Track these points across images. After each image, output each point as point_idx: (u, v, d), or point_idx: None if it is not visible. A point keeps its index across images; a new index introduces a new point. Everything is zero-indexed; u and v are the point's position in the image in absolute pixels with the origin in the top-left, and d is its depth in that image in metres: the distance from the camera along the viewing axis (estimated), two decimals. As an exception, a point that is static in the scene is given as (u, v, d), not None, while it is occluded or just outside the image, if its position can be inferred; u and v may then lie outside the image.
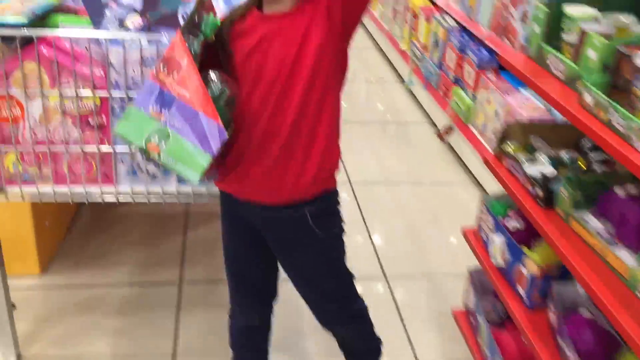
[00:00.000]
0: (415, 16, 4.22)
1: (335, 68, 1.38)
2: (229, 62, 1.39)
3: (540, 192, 1.51)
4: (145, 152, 1.31)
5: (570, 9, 1.52)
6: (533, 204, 1.53)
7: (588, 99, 1.31)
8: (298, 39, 1.32)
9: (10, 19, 1.58)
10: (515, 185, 1.61)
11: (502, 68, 3.19)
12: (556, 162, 1.62)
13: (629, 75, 1.25)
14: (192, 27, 1.35)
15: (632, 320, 1.16)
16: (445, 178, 3.30)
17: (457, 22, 3.69)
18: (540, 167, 1.57)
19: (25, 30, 1.57)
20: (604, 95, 1.27)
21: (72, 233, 2.60)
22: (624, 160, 1.16)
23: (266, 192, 1.44)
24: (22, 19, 1.59)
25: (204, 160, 1.29)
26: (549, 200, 1.51)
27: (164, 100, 1.30)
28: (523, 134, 1.76)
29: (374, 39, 5.38)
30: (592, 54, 1.35)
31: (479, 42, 3.35)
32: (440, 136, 3.51)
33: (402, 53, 4.47)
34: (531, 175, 1.55)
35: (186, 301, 2.28)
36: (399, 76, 4.56)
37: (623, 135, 1.21)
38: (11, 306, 1.93)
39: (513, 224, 1.68)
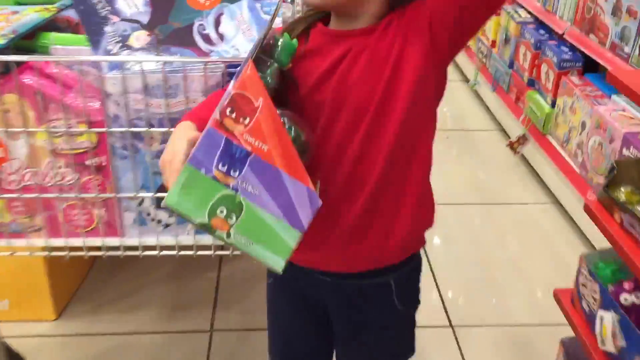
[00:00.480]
0: (481, 8, 3.78)
1: (434, 98, 1.05)
2: (289, 92, 1.06)
3: (673, 267, 1.10)
4: (209, 230, 0.97)
5: None
6: (661, 280, 1.12)
7: None
8: (390, 62, 0.99)
9: (-16, 41, 1.28)
10: (632, 249, 1.20)
11: (588, 69, 2.74)
12: (689, 217, 1.20)
13: None
14: (262, 54, 1.00)
15: None
16: (519, 197, 2.87)
17: (533, 15, 3.24)
18: (670, 227, 1.16)
19: (1, 56, 1.27)
20: None
21: (94, 270, 2.32)
22: None
23: (342, 259, 1.12)
24: (0, 41, 1.29)
25: (292, 238, 0.94)
26: (685, 278, 1.10)
27: (234, 156, 0.93)
28: (638, 172, 1.34)
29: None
30: None
31: (560, 39, 2.90)
32: (512, 146, 3.07)
33: (467, 49, 4.03)
34: (658, 241, 1.14)
35: (217, 353, 1.97)
36: (463, 75, 4.12)
37: None
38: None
39: (631, 299, 1.27)
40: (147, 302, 2.17)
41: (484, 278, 2.34)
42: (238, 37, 1.43)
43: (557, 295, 1.50)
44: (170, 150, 0.98)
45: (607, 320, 1.27)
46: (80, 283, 2.24)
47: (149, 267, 2.32)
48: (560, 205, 2.70)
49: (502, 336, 2.07)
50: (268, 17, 1.56)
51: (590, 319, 1.36)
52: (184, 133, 0.99)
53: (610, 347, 1.27)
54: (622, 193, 1.30)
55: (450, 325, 2.10)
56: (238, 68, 1.00)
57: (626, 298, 1.26)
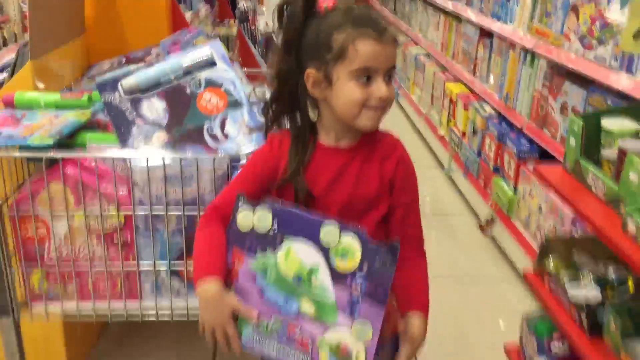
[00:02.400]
0: (452, 102, 4.20)
1: None
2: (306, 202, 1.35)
3: (585, 320, 1.39)
4: None
5: (607, 123, 1.45)
6: (578, 331, 1.41)
7: (632, 227, 1.22)
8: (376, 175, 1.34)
9: (37, 140, 1.60)
10: (557, 309, 1.49)
11: (544, 158, 3.10)
12: (602, 282, 1.50)
13: (675, 202, 1.15)
14: None
15: None
16: (489, 273, 3.16)
17: (496, 111, 3.64)
18: (585, 289, 1.46)
19: (51, 152, 1.59)
20: (648, 225, 1.17)
21: (104, 337, 2.55)
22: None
23: None
24: (49, 141, 1.60)
25: None
26: (595, 328, 1.39)
27: None
28: (565, 249, 1.65)
29: (412, 122, 5.37)
30: (633, 177, 1.27)
31: (519, 132, 3.28)
32: (482, 228, 3.39)
33: (441, 138, 4.42)
34: (575, 302, 1.43)
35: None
36: (439, 162, 4.49)
37: (672, 271, 1.10)
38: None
39: (558, 347, 1.55)
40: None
41: (455, 337, 2.59)
42: (239, 137, 1.76)
43: (508, 350, 1.77)
44: (211, 316, 1.29)
45: (541, 367, 1.54)
46: (92, 349, 2.46)
47: (153, 334, 2.56)
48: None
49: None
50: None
51: (530, 368, 1.63)
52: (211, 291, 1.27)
53: (545, 390, 1.54)
54: (551, 263, 1.61)
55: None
56: None
57: (555, 346, 1.54)
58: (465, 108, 3.93)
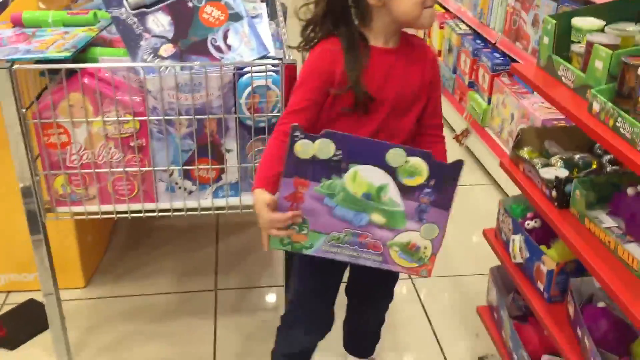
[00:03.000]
0: (428, 22, 4.32)
1: None
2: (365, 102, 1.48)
3: (555, 194, 1.61)
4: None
5: (577, 21, 1.62)
6: (549, 205, 1.63)
7: (596, 107, 1.41)
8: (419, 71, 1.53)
9: (54, 53, 1.72)
10: (531, 188, 1.70)
11: (515, 71, 3.28)
12: (570, 165, 1.71)
13: (633, 84, 1.35)
14: None
15: (644, 311, 1.26)
16: (464, 181, 3.38)
17: (470, 28, 3.79)
18: (555, 170, 1.67)
19: (69, 64, 1.71)
20: (610, 104, 1.36)
21: (111, 247, 2.74)
22: (630, 163, 1.26)
23: None
24: (66, 53, 1.72)
25: None
26: (563, 202, 1.60)
27: None
28: (538, 139, 1.86)
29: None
30: (598, 65, 1.45)
31: (493, 47, 3.45)
32: (458, 139, 3.60)
33: (417, 58, 4.56)
34: (546, 179, 1.64)
35: (222, 307, 2.40)
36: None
37: (629, 140, 1.30)
38: (64, 317, 2.06)
39: (531, 224, 1.77)
40: (159, 270, 2.59)
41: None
42: (241, 47, 1.89)
43: (485, 233, 2.00)
44: (259, 208, 1.42)
45: (516, 241, 1.77)
46: (102, 257, 2.65)
47: (158, 244, 2.75)
48: (498, 184, 3.24)
49: (448, 283, 2.57)
50: (264, 31, 2.03)
51: (506, 244, 1.86)
52: (262, 199, 1.41)
53: (520, 260, 1.77)
54: (525, 151, 1.81)
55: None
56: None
57: (529, 223, 1.77)
58: (441, 27, 4.07)
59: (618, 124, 1.33)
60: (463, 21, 3.89)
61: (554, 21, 1.64)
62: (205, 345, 2.22)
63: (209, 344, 2.22)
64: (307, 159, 1.31)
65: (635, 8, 1.62)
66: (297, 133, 1.30)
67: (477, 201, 3.18)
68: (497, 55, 3.35)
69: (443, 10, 4.23)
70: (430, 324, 2.35)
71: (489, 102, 3.35)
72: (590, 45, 1.50)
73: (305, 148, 1.30)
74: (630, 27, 1.61)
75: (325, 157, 1.30)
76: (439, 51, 4.10)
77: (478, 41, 3.61)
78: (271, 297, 2.48)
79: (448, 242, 2.82)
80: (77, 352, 2.15)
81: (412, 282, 2.57)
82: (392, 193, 1.32)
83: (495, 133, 3.28)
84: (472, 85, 3.59)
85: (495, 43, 3.39)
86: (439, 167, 1.30)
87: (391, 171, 1.30)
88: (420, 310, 2.42)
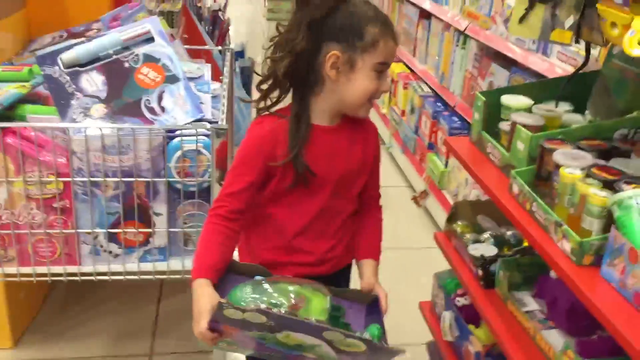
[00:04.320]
0: (394, 82, 4.36)
1: None
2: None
3: (480, 273, 1.57)
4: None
5: (506, 99, 1.61)
6: (475, 284, 1.59)
7: (515, 189, 1.39)
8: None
9: (-23, 111, 1.68)
10: (460, 265, 1.67)
11: (472, 135, 3.29)
12: (501, 242, 1.68)
13: (550, 168, 1.33)
14: None
15: (556, 407, 1.20)
16: (421, 243, 3.35)
17: (432, 90, 3.82)
18: (484, 247, 1.63)
19: (-8, 122, 1.67)
20: (527, 187, 1.34)
21: (48, 303, 2.64)
22: (540, 250, 1.23)
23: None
24: (-11, 111, 1.69)
25: None
26: (489, 281, 1.56)
27: None
28: (472, 212, 1.83)
29: (358, 101, 5.52)
30: (520, 146, 1.43)
31: (452, 110, 3.47)
32: (416, 200, 3.58)
33: (383, 117, 4.59)
34: (473, 256, 1.61)
35: (155, 374, 2.30)
36: (381, 139, 4.65)
37: (543, 226, 1.27)
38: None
39: (461, 301, 1.73)
40: (95, 331, 2.48)
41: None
42: (176, 110, 1.86)
43: (421, 306, 1.95)
44: (197, 310, 1.31)
45: (446, 318, 1.72)
46: (35, 315, 2.54)
47: (96, 302, 2.65)
48: (453, 248, 3.20)
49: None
50: (200, 93, 2.02)
51: (439, 318, 1.81)
52: (202, 292, 1.32)
53: (449, 337, 1.72)
54: (458, 226, 1.78)
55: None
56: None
57: (459, 300, 1.72)
58: (405, 87, 4.10)
59: (534, 209, 1.30)
60: (426, 83, 3.92)
61: (484, 98, 1.63)
62: (132, 415, 2.11)
63: (136, 414, 2.12)
64: (238, 319, 1.22)
65: (565, 87, 1.62)
66: (224, 305, 1.21)
67: (432, 265, 3.11)
68: (456, 119, 3.36)
69: (409, 71, 4.28)
70: (370, 396, 2.26)
71: (447, 165, 3.34)
72: (514, 124, 1.48)
73: (235, 314, 1.21)
74: (561, 107, 1.61)
75: (258, 322, 1.21)
76: (403, 111, 4.12)
77: (439, 104, 3.63)
78: (209, 365, 2.39)
79: (399, 307, 2.79)
80: (-7, 421, 2.04)
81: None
82: (327, 349, 1.25)
83: (452, 196, 3.26)
84: (431, 147, 3.59)
85: (454, 107, 3.41)
86: (377, 349, 1.24)
87: (327, 341, 1.23)
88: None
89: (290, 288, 1.31)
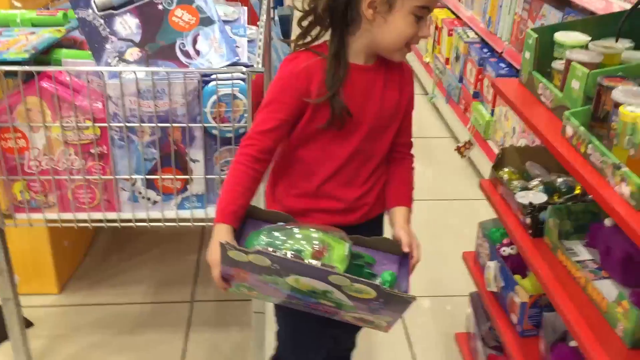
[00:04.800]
0: (438, 29, 4.20)
1: None
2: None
3: (529, 221, 1.49)
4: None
5: (560, 36, 1.50)
6: (523, 233, 1.52)
7: (569, 131, 1.29)
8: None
9: (12, 55, 1.65)
10: (507, 214, 1.59)
11: (520, 82, 3.15)
12: (551, 189, 1.59)
13: (608, 107, 1.23)
14: None
15: (607, 356, 1.14)
16: (465, 194, 3.26)
17: (478, 36, 3.66)
18: (532, 195, 1.55)
19: (26, 66, 1.64)
20: (583, 128, 1.25)
21: (91, 252, 2.68)
22: (596, 195, 1.14)
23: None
24: (24, 55, 1.66)
25: None
26: (537, 230, 1.49)
27: None
28: (520, 159, 1.74)
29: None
30: (575, 85, 1.33)
31: (500, 57, 3.32)
32: (460, 151, 3.47)
33: (426, 66, 4.45)
34: (521, 204, 1.53)
35: (196, 321, 2.32)
36: (424, 89, 4.53)
37: (598, 169, 1.18)
38: (24, 324, 2.00)
39: (507, 250, 1.65)
40: (137, 279, 2.52)
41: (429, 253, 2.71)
42: (211, 53, 1.81)
43: (464, 257, 1.88)
44: (211, 252, 1.31)
45: (491, 268, 1.65)
46: (79, 264, 2.59)
47: (138, 250, 2.68)
48: (498, 200, 3.11)
49: (437, 303, 2.46)
50: (236, 37, 1.95)
51: (483, 269, 1.74)
52: (220, 237, 1.29)
53: (493, 288, 1.65)
54: (505, 173, 1.69)
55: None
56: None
57: (505, 250, 1.65)
58: (450, 34, 3.94)
59: (589, 152, 1.21)
60: (472, 29, 3.76)
61: (536, 35, 1.53)
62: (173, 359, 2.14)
63: (178, 359, 2.14)
64: (244, 262, 1.20)
65: (625, 23, 1.50)
66: (227, 246, 1.19)
67: (476, 216, 3.03)
68: (503, 65, 3.22)
69: (454, 17, 4.11)
70: (411, 348, 2.24)
71: (492, 114, 3.22)
72: (568, 63, 1.38)
73: (239, 256, 1.19)
74: (620, 44, 1.49)
75: (263, 264, 1.19)
76: (447, 59, 3.98)
77: (485, 50, 3.48)
78: (248, 314, 2.39)
79: (441, 259, 2.76)
80: (40, 362, 2.10)
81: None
82: (339, 295, 1.21)
83: (497, 146, 3.15)
84: (477, 95, 3.46)
85: (502, 53, 3.26)
86: (387, 295, 1.19)
87: (336, 286, 1.19)
88: (402, 333, 2.31)
89: (315, 235, 1.27)
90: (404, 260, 1.34)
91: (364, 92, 1.38)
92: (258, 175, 1.37)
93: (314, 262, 1.21)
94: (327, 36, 1.38)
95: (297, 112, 1.37)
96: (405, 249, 1.37)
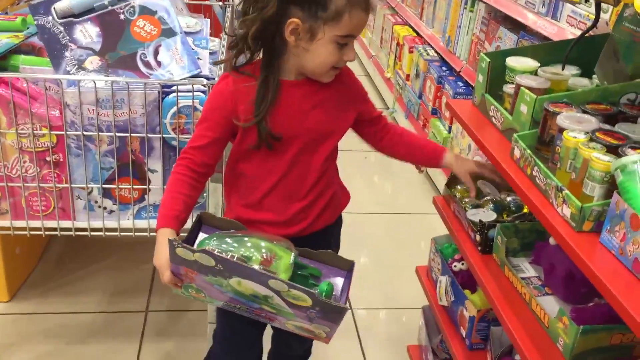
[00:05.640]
0: (399, 45, 4.28)
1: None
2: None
3: (478, 238, 1.54)
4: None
5: (511, 61, 1.56)
6: (473, 249, 1.56)
7: (517, 153, 1.35)
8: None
9: (-33, 60, 1.64)
10: (458, 230, 1.64)
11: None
12: (501, 208, 1.65)
13: (554, 132, 1.29)
14: None
15: (548, 373, 1.19)
16: (421, 209, 3.33)
17: (438, 54, 3.74)
18: (483, 212, 1.60)
19: (-18, 71, 1.63)
20: (529, 150, 1.30)
21: (44, 259, 2.64)
22: (540, 216, 1.20)
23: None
24: (-20, 60, 1.64)
25: None
26: (487, 247, 1.54)
27: None
28: (472, 177, 1.79)
29: (362, 64, 5.44)
30: (523, 109, 1.39)
31: (457, 75, 3.40)
32: (417, 166, 3.53)
33: (387, 81, 4.52)
34: (471, 221, 1.58)
35: (150, 331, 2.31)
36: (385, 103, 4.60)
37: (542, 191, 1.24)
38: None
39: (458, 266, 1.70)
40: (90, 287, 2.49)
41: (382, 267, 2.76)
42: (172, 65, 1.82)
43: (418, 271, 1.93)
44: (158, 257, 1.33)
45: (442, 282, 1.70)
46: (31, 271, 2.54)
47: (92, 259, 2.65)
48: (453, 215, 3.18)
49: (392, 315, 2.50)
50: (198, 49, 1.96)
51: (435, 283, 1.79)
52: (164, 241, 1.30)
53: (444, 302, 1.70)
54: (458, 191, 1.74)
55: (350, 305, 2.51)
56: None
57: (456, 265, 1.70)
58: (411, 51, 4.02)
59: (534, 173, 1.27)
60: (432, 47, 3.84)
61: (488, 60, 1.58)
62: (126, 371, 2.12)
63: (130, 369, 2.13)
64: (191, 260, 1.23)
65: (572, 50, 1.57)
66: (175, 244, 1.22)
67: (431, 231, 3.10)
68: (461, 84, 3.30)
69: (415, 35, 4.20)
70: (364, 358, 2.27)
71: (450, 130, 3.30)
72: (518, 87, 1.44)
73: (185, 254, 1.23)
74: (567, 70, 1.56)
75: (208, 264, 1.22)
76: (407, 75, 4.05)
77: (444, 68, 3.56)
78: (202, 324, 2.39)
79: (397, 273, 2.81)
80: (-14, 373, 2.05)
81: (352, 312, 2.49)
82: (279, 301, 1.25)
83: (453, 163, 3.22)
84: (435, 112, 3.54)
85: (460, 71, 3.35)
86: (322, 304, 1.23)
87: (275, 291, 1.23)
88: (356, 344, 2.34)
89: (263, 244, 1.30)
90: (349, 274, 1.37)
91: (294, 108, 1.41)
92: (197, 184, 1.41)
93: (255, 266, 1.25)
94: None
95: (228, 130, 1.41)
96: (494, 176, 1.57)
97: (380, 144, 1.64)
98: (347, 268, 1.38)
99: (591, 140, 1.19)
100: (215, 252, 1.22)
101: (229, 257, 1.23)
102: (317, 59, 1.34)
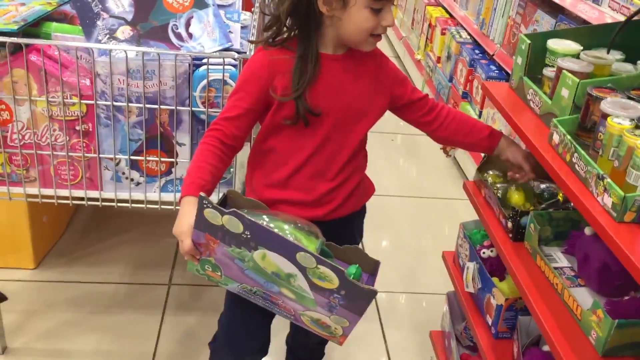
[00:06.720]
0: (431, 27, 4.20)
1: None
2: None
3: (510, 226, 1.50)
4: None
5: (552, 43, 1.51)
6: (504, 236, 1.53)
7: (556, 138, 1.30)
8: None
9: (1, 25, 1.63)
10: (489, 216, 1.60)
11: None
12: (533, 195, 1.61)
13: (596, 118, 1.24)
14: None
15: (579, 365, 1.15)
16: (447, 193, 3.28)
17: (471, 36, 3.67)
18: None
19: (14, 38, 1.62)
20: (569, 136, 1.26)
21: (70, 229, 2.66)
22: (578, 204, 1.16)
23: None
24: (12, 26, 1.63)
25: None
26: (518, 234, 1.50)
27: None
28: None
29: (391, 45, 5.37)
30: (564, 93, 1.34)
31: (490, 59, 3.33)
32: (445, 150, 3.48)
33: (417, 63, 4.45)
34: (503, 209, 1.54)
35: (172, 303, 2.32)
36: (414, 86, 4.53)
37: (582, 179, 1.20)
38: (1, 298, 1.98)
39: (487, 252, 1.67)
40: (115, 259, 2.50)
41: (406, 251, 2.73)
42: (203, 37, 1.79)
43: (444, 256, 1.90)
44: (179, 224, 1.29)
45: (470, 269, 1.67)
46: (57, 240, 2.56)
47: (117, 230, 2.66)
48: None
49: (413, 299, 2.48)
50: (230, 22, 1.94)
51: (462, 269, 1.76)
52: (188, 209, 1.28)
53: (471, 289, 1.67)
54: (489, 175, 1.70)
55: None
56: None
57: (484, 252, 1.66)
58: (443, 33, 3.95)
59: (574, 160, 1.22)
60: (465, 29, 3.76)
61: (529, 41, 1.53)
62: (147, 342, 2.13)
63: (152, 341, 2.14)
64: (217, 225, 1.20)
65: (618, 34, 1.51)
66: (205, 202, 1.19)
67: (456, 216, 3.07)
68: (494, 67, 3.23)
69: (448, 16, 4.11)
70: (385, 342, 2.25)
71: (480, 115, 3.24)
72: (559, 70, 1.39)
73: (214, 216, 1.19)
74: (611, 55, 1.50)
75: (235, 231, 1.19)
76: (438, 57, 3.98)
77: (477, 51, 3.49)
78: (223, 299, 2.39)
79: (419, 257, 2.78)
80: (12, 337, 2.07)
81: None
82: (302, 283, 1.22)
83: (482, 148, 3.16)
84: (465, 96, 3.47)
85: (493, 55, 3.27)
86: (351, 285, 1.19)
87: (301, 268, 1.19)
88: (377, 327, 2.32)
89: (286, 226, 1.27)
90: (374, 272, 1.34)
91: (332, 84, 1.39)
92: (224, 157, 1.38)
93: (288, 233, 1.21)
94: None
95: (263, 102, 1.39)
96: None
97: (430, 129, 1.58)
98: (370, 268, 1.34)
99: (637, 127, 1.14)
100: (245, 213, 1.18)
101: (256, 220, 1.19)
102: (353, 26, 1.32)
